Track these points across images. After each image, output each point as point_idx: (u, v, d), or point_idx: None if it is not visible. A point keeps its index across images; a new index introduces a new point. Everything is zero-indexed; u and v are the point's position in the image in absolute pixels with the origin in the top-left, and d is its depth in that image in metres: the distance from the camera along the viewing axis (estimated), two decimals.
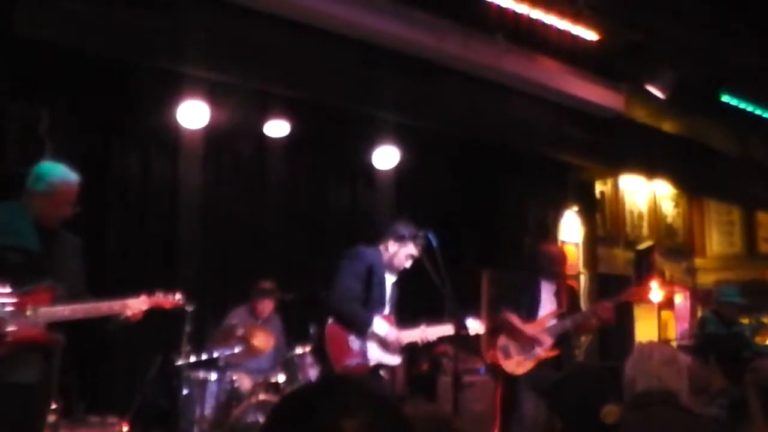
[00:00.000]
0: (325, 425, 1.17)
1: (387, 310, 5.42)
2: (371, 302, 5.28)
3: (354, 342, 5.22)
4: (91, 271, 4.49)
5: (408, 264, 5.42)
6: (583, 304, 9.08)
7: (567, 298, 6.34)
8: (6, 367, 3.85)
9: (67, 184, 4.13)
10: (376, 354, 5.29)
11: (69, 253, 4.24)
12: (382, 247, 5.41)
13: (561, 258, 6.62)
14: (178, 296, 4.65)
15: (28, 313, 3.93)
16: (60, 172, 4.14)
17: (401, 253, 5.36)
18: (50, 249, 4.10)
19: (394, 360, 5.45)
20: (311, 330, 5.98)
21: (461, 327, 5.17)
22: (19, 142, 6.10)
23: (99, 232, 6.79)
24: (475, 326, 5.47)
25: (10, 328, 3.86)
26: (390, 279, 5.46)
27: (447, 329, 5.35)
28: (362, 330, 5.16)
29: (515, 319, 6.13)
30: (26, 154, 6.14)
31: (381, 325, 5.20)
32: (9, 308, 3.86)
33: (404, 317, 5.56)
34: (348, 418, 1.17)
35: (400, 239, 5.36)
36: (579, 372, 2.42)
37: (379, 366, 5.36)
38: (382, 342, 5.29)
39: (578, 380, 2.31)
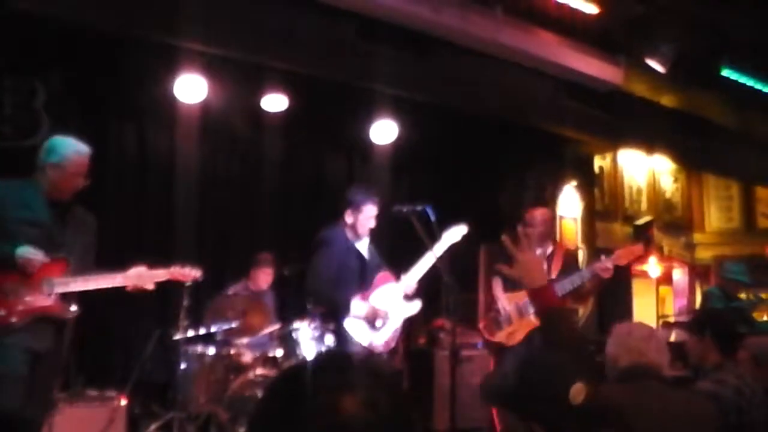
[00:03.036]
0: (325, 401, 1.16)
1: (377, 272, 5.47)
2: (352, 277, 5.32)
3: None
4: None
5: (372, 224, 5.46)
6: None
7: (562, 263, 5.86)
8: (21, 335, 3.98)
9: (79, 155, 4.26)
10: (399, 312, 5.39)
11: (81, 227, 4.37)
12: (342, 222, 5.46)
13: (548, 221, 6.13)
14: (196, 270, 4.77)
15: (42, 284, 4.06)
16: (72, 144, 4.28)
17: (361, 219, 5.42)
18: (62, 222, 4.23)
19: (414, 308, 5.56)
20: (309, 305, 5.99)
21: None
22: (14, 116, 6.07)
23: (95, 206, 6.74)
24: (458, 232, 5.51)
25: (25, 299, 4.02)
26: (363, 246, 5.50)
27: (440, 246, 5.40)
28: (344, 314, 5.20)
29: (498, 290, 5.79)
30: (21, 129, 6.11)
31: (360, 307, 5.22)
32: (23, 281, 4.01)
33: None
34: (348, 394, 1.16)
35: (355, 206, 5.41)
36: (532, 368, 2.38)
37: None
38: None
39: (536, 377, 2.29)
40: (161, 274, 4.49)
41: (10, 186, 4.16)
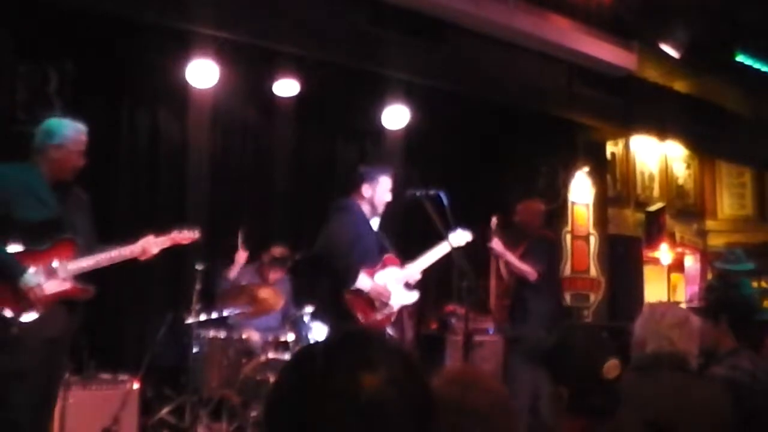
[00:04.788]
0: (345, 379, 1.15)
1: (385, 254, 5.45)
2: (364, 251, 5.28)
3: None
4: (101, 231, 4.52)
5: (389, 197, 5.45)
6: (593, 264, 9.09)
7: (526, 245, 6.43)
8: (39, 324, 3.97)
9: (79, 134, 4.30)
10: (398, 298, 5.36)
11: (81, 207, 4.39)
12: (358, 197, 5.42)
13: (536, 213, 6.68)
14: (194, 231, 4.77)
15: (56, 268, 4.09)
16: (70, 125, 4.30)
17: (378, 191, 5.40)
18: (64, 204, 4.23)
19: (411, 298, 5.54)
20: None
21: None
22: (28, 102, 6.08)
23: (109, 192, 6.80)
24: (462, 237, 5.54)
25: (44, 287, 4.00)
26: (375, 224, 5.48)
27: (443, 248, 5.44)
28: (349, 283, 5.16)
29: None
30: (34, 115, 6.12)
31: (365, 281, 5.20)
32: (37, 268, 4.01)
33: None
34: (368, 371, 1.15)
35: (371, 179, 5.40)
36: (573, 334, 2.42)
37: (402, 309, 5.45)
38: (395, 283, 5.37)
39: (575, 342, 2.32)
40: (164, 240, 4.57)
41: (11, 170, 4.16)
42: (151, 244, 4.46)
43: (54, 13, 5.52)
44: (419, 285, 5.58)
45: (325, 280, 5.45)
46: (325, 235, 5.27)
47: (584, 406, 2.21)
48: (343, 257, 5.17)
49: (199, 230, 4.80)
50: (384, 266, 5.41)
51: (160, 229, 4.62)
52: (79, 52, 6.26)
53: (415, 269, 5.52)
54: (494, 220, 6.35)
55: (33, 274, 3.97)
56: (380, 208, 5.45)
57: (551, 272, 6.61)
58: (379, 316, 5.26)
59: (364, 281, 5.18)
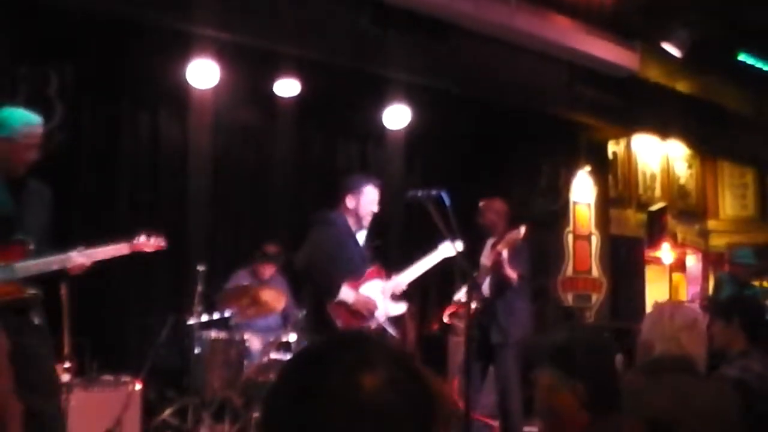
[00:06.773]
0: (344, 380, 1.13)
1: (370, 265, 5.34)
2: (347, 264, 5.19)
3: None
4: (100, 232, 4.48)
5: (375, 208, 5.32)
6: (595, 264, 9.08)
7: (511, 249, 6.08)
8: None
9: (30, 127, 4.01)
10: (383, 309, 5.27)
11: (37, 202, 4.11)
12: (343, 208, 5.29)
13: (500, 213, 6.33)
14: (159, 239, 4.53)
15: (2, 269, 3.85)
16: (21, 115, 4.03)
17: (363, 202, 5.26)
18: (18, 200, 4.00)
19: (399, 309, 5.43)
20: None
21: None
22: (29, 105, 6.06)
23: (110, 193, 6.80)
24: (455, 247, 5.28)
25: None
26: (361, 236, 5.37)
27: (434, 256, 5.40)
28: (332, 295, 5.07)
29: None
30: None
31: (347, 293, 5.09)
32: None
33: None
34: (367, 372, 1.13)
35: (355, 190, 5.27)
36: (581, 332, 2.43)
37: (388, 320, 5.35)
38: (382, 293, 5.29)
39: (586, 339, 2.32)
40: (124, 247, 4.29)
41: None
42: (109, 252, 4.18)
43: (54, 14, 5.51)
44: (420, 286, 5.51)
45: (309, 293, 5.39)
46: (305, 248, 5.16)
47: (597, 402, 2.20)
48: (324, 270, 5.06)
49: (165, 238, 4.56)
50: (369, 278, 5.28)
51: (161, 232, 4.58)
52: (80, 54, 6.26)
53: (401, 280, 5.41)
54: (522, 230, 5.87)
55: None
56: (366, 220, 5.30)
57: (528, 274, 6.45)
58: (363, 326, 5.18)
59: (347, 293, 5.07)
